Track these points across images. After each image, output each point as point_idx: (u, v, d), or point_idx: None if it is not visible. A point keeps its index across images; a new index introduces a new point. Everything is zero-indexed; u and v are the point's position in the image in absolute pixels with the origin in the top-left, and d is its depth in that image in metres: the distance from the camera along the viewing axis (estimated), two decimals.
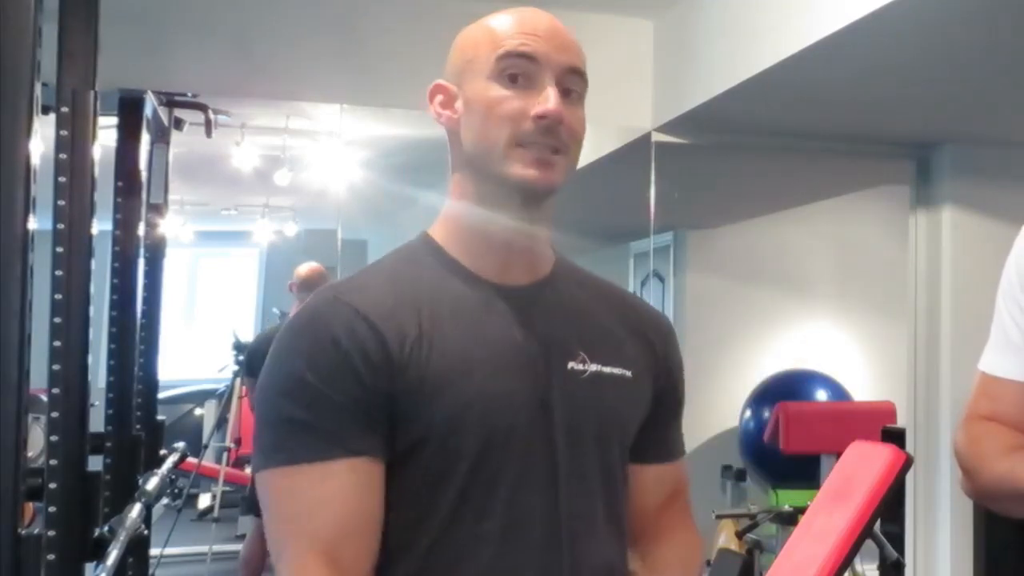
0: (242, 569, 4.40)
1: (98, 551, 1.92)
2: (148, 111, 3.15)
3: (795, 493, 3.79)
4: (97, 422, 2.50)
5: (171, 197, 3.58)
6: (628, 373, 1.15)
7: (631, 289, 4.86)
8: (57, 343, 1.93)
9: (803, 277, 5.58)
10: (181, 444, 2.91)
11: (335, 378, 1.02)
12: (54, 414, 1.93)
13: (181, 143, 3.80)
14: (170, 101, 3.59)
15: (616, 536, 1.15)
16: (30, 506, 3.03)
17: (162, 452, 2.93)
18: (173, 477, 3.03)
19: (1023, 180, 3.97)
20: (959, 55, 2.88)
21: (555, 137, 1.08)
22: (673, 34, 3.64)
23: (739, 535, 3.51)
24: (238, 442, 6.08)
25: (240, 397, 5.85)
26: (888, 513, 3.02)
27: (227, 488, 5.89)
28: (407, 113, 3.61)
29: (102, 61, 2.06)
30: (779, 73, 2.95)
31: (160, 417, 3.28)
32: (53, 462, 1.92)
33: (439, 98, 1.14)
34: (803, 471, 4.37)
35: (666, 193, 3.97)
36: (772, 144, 4.04)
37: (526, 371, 1.09)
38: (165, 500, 4.50)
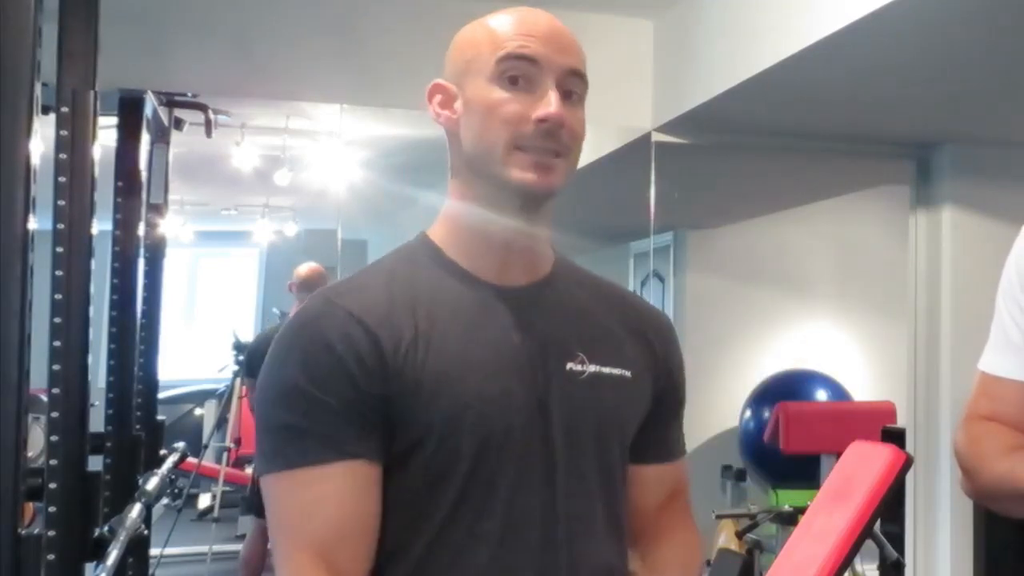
0: (242, 569, 4.40)
1: (98, 551, 1.92)
2: (148, 111, 3.15)
3: (795, 493, 3.79)
4: (97, 422, 2.50)
5: (171, 197, 3.58)
6: (627, 373, 1.15)
7: (631, 289, 4.86)
8: (57, 343, 1.93)
9: (803, 277, 5.58)
10: (181, 444, 2.91)
11: (330, 383, 1.03)
12: (54, 414, 1.93)
13: (181, 143, 3.80)
14: (170, 101, 3.59)
15: (615, 536, 1.15)
16: (30, 506, 3.03)
17: (162, 452, 2.93)
18: (173, 477, 3.03)
19: (1023, 180, 3.97)
20: (959, 55, 2.88)
21: (556, 140, 1.07)
22: (673, 34, 3.64)
23: (739, 535, 3.51)
24: (238, 442, 6.08)
25: (240, 397, 5.85)
26: (888, 513, 3.02)
27: (227, 488, 5.89)
28: (407, 113, 3.61)
29: (102, 61, 2.06)
30: (779, 73, 2.95)
31: (160, 417, 3.28)
32: (53, 462, 1.92)
33: (438, 98, 1.14)
34: (803, 471, 4.37)
35: (666, 193, 3.96)
36: (772, 144, 4.04)
37: (524, 372, 1.09)
38: (165, 500, 4.51)
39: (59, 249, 1.95)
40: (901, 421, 4.31)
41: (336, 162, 4.69)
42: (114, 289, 2.88)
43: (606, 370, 1.14)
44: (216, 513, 5.48)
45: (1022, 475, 1.20)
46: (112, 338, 2.86)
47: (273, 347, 1.08)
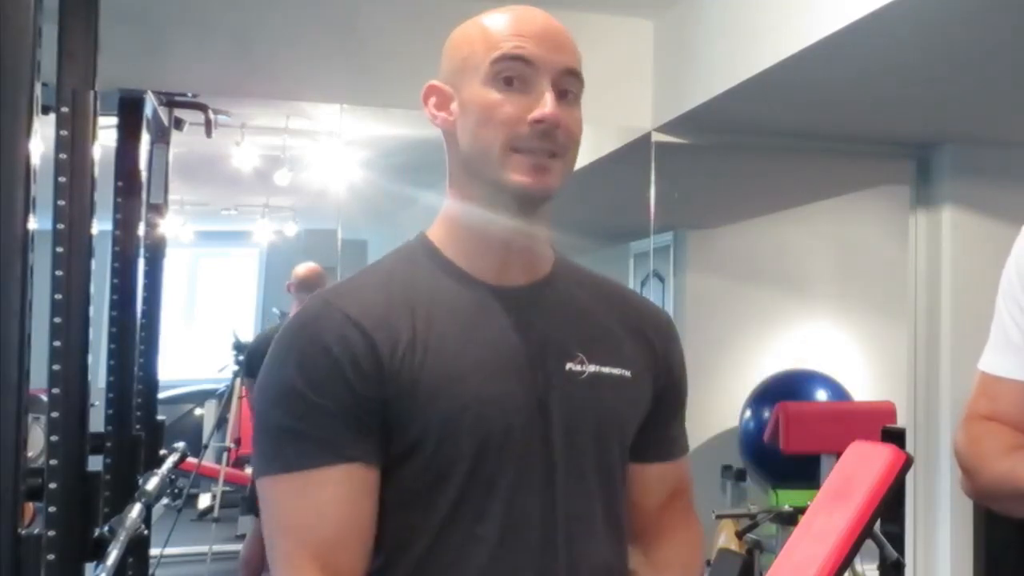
0: (242, 569, 4.40)
1: (98, 551, 1.92)
2: (148, 111, 3.15)
3: (795, 493, 3.79)
4: (97, 422, 2.50)
5: (171, 197, 3.58)
6: (627, 373, 1.15)
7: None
8: (57, 343, 1.93)
9: (803, 277, 5.58)
10: (181, 444, 2.91)
11: (326, 386, 1.03)
12: (54, 414, 1.93)
13: (181, 143, 3.80)
14: (170, 101, 3.59)
15: (615, 536, 1.15)
16: (30, 506, 3.03)
17: (162, 452, 2.93)
18: (173, 477, 3.03)
19: (1023, 180, 3.97)
20: (959, 55, 2.88)
21: (552, 141, 1.07)
22: (673, 34, 3.64)
23: (739, 535, 3.51)
24: (238, 442, 6.08)
25: (240, 397, 5.85)
26: (888, 513, 3.02)
27: (227, 488, 5.89)
28: (407, 113, 3.61)
29: (102, 61, 2.06)
30: (779, 73, 2.95)
31: (160, 417, 3.28)
32: (53, 462, 1.92)
33: (433, 100, 1.13)
34: (803, 471, 4.37)
35: (666, 193, 3.96)
36: (772, 144, 4.04)
37: (524, 373, 1.09)
38: (165, 500, 4.50)
39: (59, 249, 1.95)
40: (901, 421, 4.31)
41: (336, 162, 4.69)
42: (114, 289, 2.88)
43: (606, 370, 1.14)
44: (216, 513, 5.48)
45: (1022, 475, 1.20)
46: (112, 338, 2.86)
47: (272, 349, 1.08)
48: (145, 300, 3.12)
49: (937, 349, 4.02)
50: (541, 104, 1.06)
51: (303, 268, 4.51)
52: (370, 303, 1.07)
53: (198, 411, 6.76)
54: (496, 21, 1.10)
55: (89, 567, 1.96)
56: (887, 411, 4.48)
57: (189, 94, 3.65)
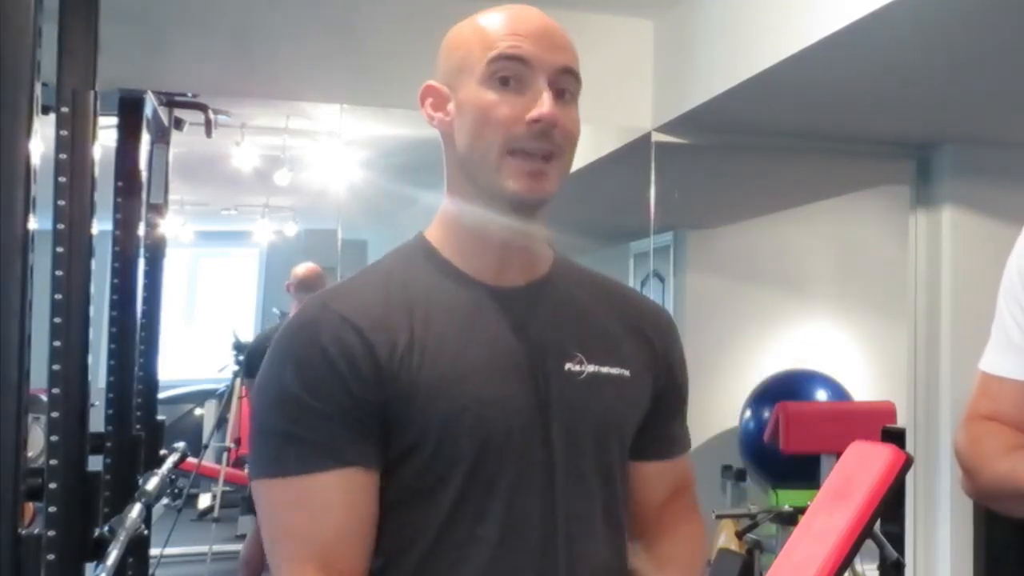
0: (242, 569, 4.40)
1: (98, 551, 1.92)
2: (148, 111, 3.15)
3: (795, 493, 3.79)
4: (97, 422, 2.50)
5: (171, 197, 3.58)
6: (626, 372, 1.15)
7: None
8: (57, 343, 1.93)
9: (803, 277, 5.58)
10: (181, 444, 2.91)
11: (323, 389, 1.02)
12: (54, 414, 1.93)
13: (181, 143, 3.80)
14: (170, 101, 3.59)
15: (615, 536, 1.15)
16: (30, 506, 3.03)
17: (162, 452, 2.93)
18: (173, 477, 3.03)
19: (1023, 180, 3.97)
20: (959, 55, 2.88)
21: (550, 140, 1.07)
22: (673, 34, 3.64)
23: (739, 535, 3.51)
24: (238, 442, 6.08)
25: (240, 397, 5.85)
26: (888, 513, 3.02)
27: (227, 488, 5.88)
28: (407, 113, 3.61)
29: (102, 61, 2.06)
30: (779, 73, 2.95)
31: (160, 417, 3.28)
32: (53, 462, 1.92)
33: (430, 100, 1.13)
34: (803, 471, 4.37)
35: (666, 193, 3.96)
36: (772, 144, 4.04)
37: (523, 373, 1.09)
38: (165, 500, 4.50)
39: (59, 249, 1.95)
40: (901, 421, 4.31)
41: (336, 162, 4.69)
42: (114, 289, 2.88)
43: (604, 370, 1.13)
44: (216, 513, 5.48)
45: (1023, 475, 1.20)
46: (112, 338, 2.86)
47: (270, 351, 1.08)
48: (145, 300, 3.12)
49: (937, 349, 4.02)
50: (538, 104, 1.06)
51: (302, 268, 4.52)
52: (368, 305, 1.07)
53: (198, 411, 6.76)
54: (492, 20, 1.10)
55: (89, 567, 1.96)
56: (887, 411, 4.48)
57: (189, 94, 3.65)
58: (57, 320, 1.94)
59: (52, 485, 1.91)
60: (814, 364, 5.34)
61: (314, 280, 4.42)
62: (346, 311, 1.05)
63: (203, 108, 3.82)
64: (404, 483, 1.06)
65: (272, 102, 3.98)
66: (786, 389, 5.07)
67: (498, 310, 1.11)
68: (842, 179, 4.74)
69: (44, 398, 1.95)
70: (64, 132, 1.98)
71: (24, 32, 1.50)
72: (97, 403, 2.40)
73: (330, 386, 1.02)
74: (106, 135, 2.29)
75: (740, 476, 5.21)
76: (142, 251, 3.05)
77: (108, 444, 2.71)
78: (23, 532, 1.50)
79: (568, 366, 1.11)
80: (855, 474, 2.18)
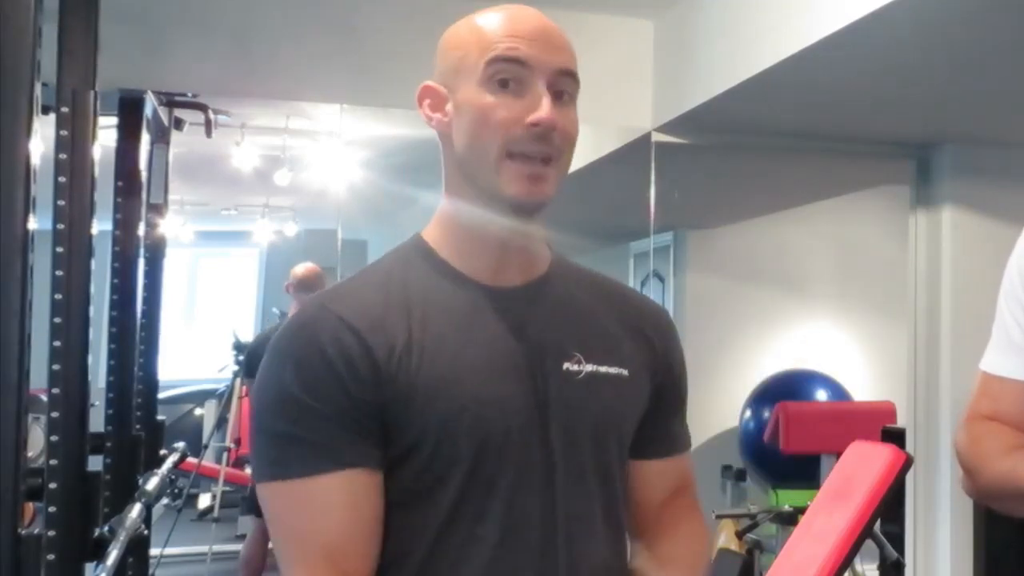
0: (242, 569, 4.40)
1: (98, 551, 1.92)
2: (148, 111, 3.15)
3: (795, 493, 3.79)
4: (97, 422, 2.50)
5: (171, 197, 3.59)
6: (625, 372, 1.15)
7: None
8: (57, 343, 1.94)
9: (803, 277, 5.58)
10: (181, 444, 2.91)
11: (322, 390, 1.02)
12: (54, 414, 1.93)
13: (181, 143, 3.80)
14: (170, 101, 3.59)
15: (614, 536, 1.15)
16: (30, 506, 3.03)
17: (162, 452, 2.93)
18: (173, 477, 3.03)
19: (1023, 180, 3.97)
20: (959, 55, 2.88)
21: (548, 144, 1.06)
22: (673, 34, 3.64)
23: (739, 535, 3.51)
24: (238, 442, 6.08)
25: (240, 397, 5.85)
26: (888, 513, 3.02)
27: (227, 488, 5.88)
28: (407, 113, 3.61)
29: (102, 61, 2.06)
30: (779, 73, 2.95)
31: (160, 417, 3.28)
32: (53, 462, 1.92)
33: (428, 101, 1.13)
34: (803, 471, 4.37)
35: (666, 193, 3.96)
36: (772, 144, 4.04)
37: (521, 373, 1.09)
38: (165, 500, 4.50)
39: (59, 249, 1.96)
40: (901, 421, 4.31)
41: (336, 162, 4.69)
42: (114, 289, 2.88)
43: (603, 369, 1.13)
44: (216, 513, 5.48)
45: (1023, 474, 1.21)
46: (112, 338, 2.86)
47: (268, 353, 1.08)
48: (145, 300, 3.12)
49: (937, 349, 4.02)
50: (537, 107, 1.05)
51: (301, 268, 4.52)
52: (366, 306, 1.07)
53: (198, 411, 6.76)
54: (490, 21, 1.09)
55: (89, 567, 1.96)
56: (887, 411, 4.49)
57: (189, 94, 3.65)
58: (57, 320, 1.94)
59: (52, 485, 1.91)
60: (814, 364, 5.34)
61: (313, 280, 4.42)
62: (344, 312, 1.05)
63: (203, 108, 3.82)
64: (403, 484, 1.05)
65: (272, 102, 3.98)
66: (786, 389, 5.07)
67: (496, 310, 1.11)
68: (842, 179, 4.74)
69: (44, 398, 1.95)
70: (64, 132, 1.98)
71: (24, 32, 1.50)
72: (97, 403, 2.40)
73: (328, 387, 1.02)
74: (106, 135, 2.30)
75: (740, 476, 5.22)
76: (142, 251, 3.05)
77: (108, 444, 2.71)
78: (23, 532, 1.50)
79: (566, 366, 1.11)
80: (855, 474, 2.18)
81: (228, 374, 6.00)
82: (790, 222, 5.37)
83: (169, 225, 3.70)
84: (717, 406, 5.27)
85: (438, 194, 1.15)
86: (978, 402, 1.33)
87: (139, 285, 3.01)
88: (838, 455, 2.35)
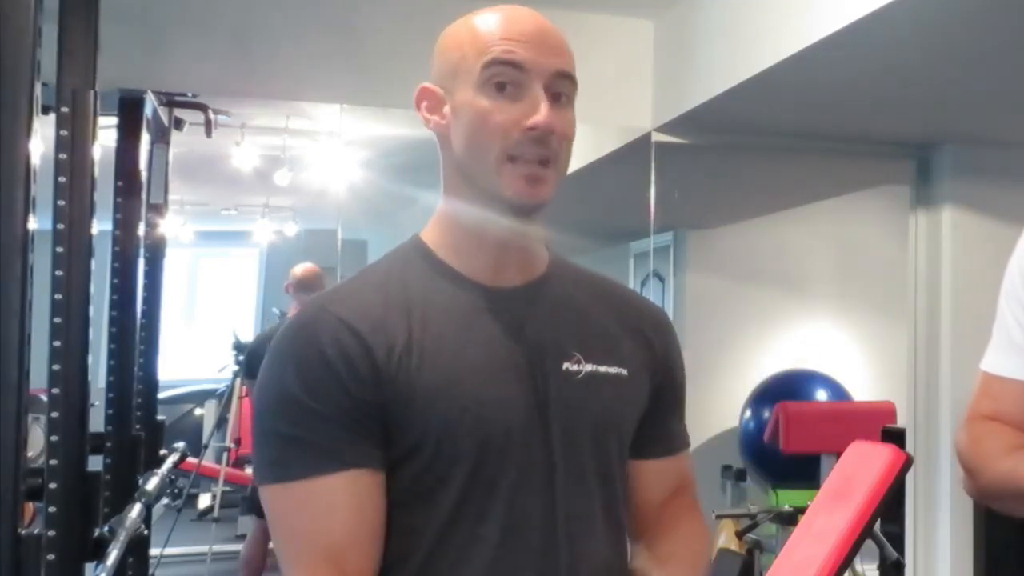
0: (242, 569, 4.40)
1: (98, 551, 1.92)
2: (148, 111, 3.15)
3: (795, 493, 3.79)
4: (97, 422, 2.50)
5: (171, 197, 3.58)
6: (624, 371, 1.15)
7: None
8: (57, 343, 1.93)
9: (803, 277, 5.58)
10: (181, 444, 2.91)
11: (323, 391, 1.02)
12: (54, 414, 1.93)
13: (181, 143, 3.80)
14: (170, 101, 3.59)
15: (615, 535, 1.15)
16: (30, 506, 3.03)
17: (162, 452, 2.93)
18: (173, 477, 3.03)
19: (1023, 180, 3.97)
20: (959, 55, 2.88)
21: (546, 147, 1.06)
22: (673, 34, 3.64)
23: (739, 535, 3.51)
24: (238, 442, 6.08)
25: (240, 397, 5.85)
26: (888, 513, 3.02)
27: (227, 488, 5.88)
28: (407, 113, 3.57)
29: (102, 61, 2.06)
30: (779, 73, 2.95)
31: (160, 417, 3.28)
32: (53, 462, 1.92)
33: (426, 103, 1.13)
34: (803, 471, 4.37)
35: (666, 193, 3.96)
36: (772, 144, 4.04)
37: (521, 374, 1.09)
38: (165, 500, 4.50)
39: (59, 249, 1.96)
40: (901, 421, 4.31)
41: (336, 162, 4.69)
42: (114, 289, 2.88)
43: (602, 369, 1.13)
44: (216, 513, 5.48)
45: None
46: (112, 338, 2.86)
47: (268, 355, 1.08)
48: (145, 300, 3.12)
49: (937, 349, 4.02)
50: (535, 110, 1.05)
51: (300, 269, 4.52)
52: (366, 307, 1.07)
53: (198, 411, 6.76)
54: (486, 22, 1.09)
55: (89, 567, 1.96)
56: (887, 411, 4.49)
57: (189, 94, 3.65)
58: (57, 320, 1.94)
59: (52, 485, 1.91)
60: (814, 364, 5.34)
61: (312, 280, 4.42)
62: (344, 313, 1.05)
63: (203, 108, 3.82)
64: (404, 485, 1.06)
65: (272, 102, 3.98)
66: (786, 389, 5.07)
67: (495, 311, 1.11)
68: (842, 179, 4.74)
69: (44, 398, 1.95)
70: (64, 132, 1.98)
71: (24, 32, 1.50)
72: (97, 403, 2.40)
73: (329, 388, 1.02)
74: (106, 135, 2.29)
75: (740, 476, 5.21)
76: (142, 251, 3.05)
77: (108, 444, 2.71)
78: (23, 532, 1.50)
79: (566, 365, 1.11)
80: (855, 474, 2.18)
81: (228, 374, 6.00)
82: (790, 222, 5.37)
83: (169, 225, 3.70)
84: (717, 406, 5.27)
85: (438, 194, 1.15)
86: (979, 402, 1.34)
87: (139, 285, 3.01)
88: (838, 455, 2.35)
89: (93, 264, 2.02)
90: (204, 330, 7.41)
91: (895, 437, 3.86)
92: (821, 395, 5.19)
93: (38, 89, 1.53)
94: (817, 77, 3.06)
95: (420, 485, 1.05)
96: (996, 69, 2.99)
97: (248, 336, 6.02)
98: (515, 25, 1.08)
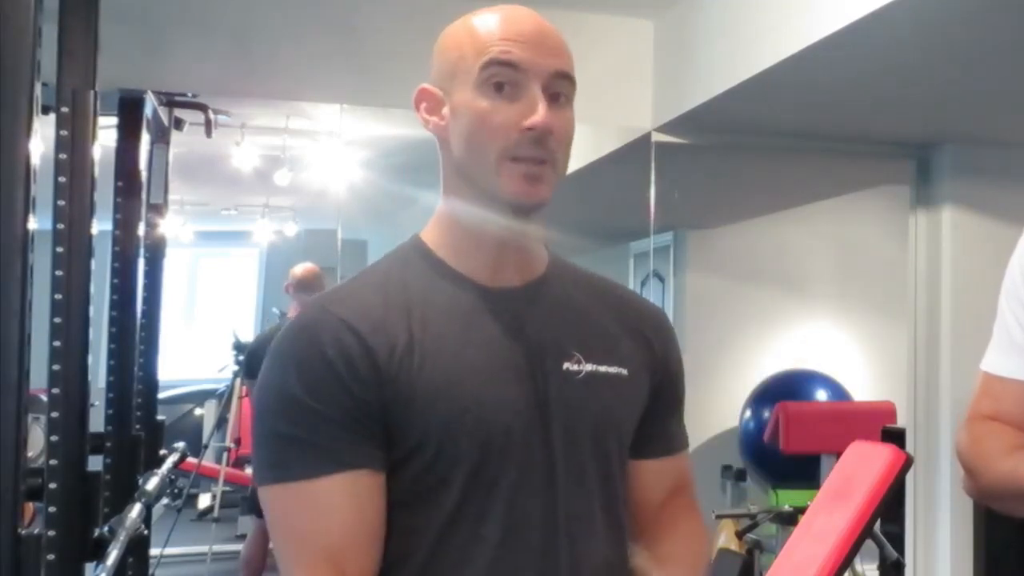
0: (243, 569, 4.40)
1: (98, 551, 1.92)
2: (148, 111, 3.15)
3: (795, 493, 3.79)
4: (97, 422, 2.50)
5: (171, 197, 3.58)
6: (624, 371, 1.15)
7: (631, 289, 4.84)
8: (57, 343, 1.93)
9: (803, 277, 5.58)
10: (181, 444, 2.91)
11: (324, 391, 1.02)
12: (54, 414, 1.93)
13: (181, 143, 3.80)
14: (170, 101, 3.59)
15: (615, 535, 1.15)
16: (30, 506, 3.03)
17: (162, 452, 2.93)
18: (173, 477, 3.03)
19: (1023, 180, 3.97)
20: (959, 55, 2.88)
21: (544, 148, 1.06)
22: (673, 34, 3.64)
23: (739, 535, 3.51)
24: (238, 442, 6.08)
25: (240, 397, 5.85)
26: (888, 513, 3.02)
27: (227, 488, 5.88)
28: (407, 113, 3.57)
29: (102, 61, 2.06)
30: (779, 73, 2.95)
31: (160, 417, 3.28)
32: (53, 462, 1.92)
33: (424, 104, 1.13)
34: (803, 471, 4.37)
35: (666, 193, 3.96)
36: (772, 144, 4.04)
37: (521, 374, 1.09)
38: (165, 500, 4.50)
39: (59, 249, 1.95)
40: (901, 421, 4.31)
41: (336, 162, 4.69)
42: (114, 289, 2.88)
43: (602, 369, 1.14)
44: (216, 513, 5.48)
45: None
46: (112, 338, 2.86)
47: (269, 356, 1.08)
48: (145, 300, 3.12)
49: (937, 349, 4.02)
50: (532, 111, 1.05)
51: (300, 269, 4.52)
52: (367, 307, 1.07)
53: (198, 411, 6.76)
54: (484, 23, 1.09)
55: (89, 567, 1.96)
56: (887, 411, 4.48)
57: (189, 94, 3.65)
58: (57, 320, 1.93)
59: (52, 485, 1.91)
60: (814, 364, 5.34)
61: (312, 280, 4.42)
62: (345, 314, 1.05)
63: (203, 108, 3.82)
64: (405, 485, 1.06)
65: (272, 102, 3.98)
66: (786, 389, 5.07)
67: (495, 311, 1.11)
68: (842, 179, 4.74)
69: (44, 398, 1.95)
70: (64, 132, 1.98)
71: (24, 32, 1.50)
72: (97, 403, 2.40)
73: (330, 388, 1.02)
74: (106, 135, 2.29)
75: (740, 476, 5.21)
76: (142, 251, 3.05)
77: (108, 444, 2.71)
78: (23, 532, 1.50)
79: (566, 365, 1.12)
80: (855, 474, 2.18)
81: (228, 374, 5.99)
82: (790, 222, 5.37)
83: (169, 225, 3.70)
84: (717, 406, 5.27)
85: (438, 194, 1.15)
86: (979, 402, 1.33)
87: (139, 285, 3.01)
88: (838, 455, 2.35)
89: (93, 264, 2.02)
90: (204, 330, 7.41)
91: (895, 437, 3.86)
92: (821, 395, 5.19)
93: (38, 89, 1.53)
94: (817, 77, 3.06)
95: (421, 485, 1.05)
96: (996, 69, 2.99)
97: (248, 336, 6.02)
98: (513, 25, 1.08)
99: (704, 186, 4.70)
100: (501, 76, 1.06)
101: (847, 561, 2.05)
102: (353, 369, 1.03)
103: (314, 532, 1.02)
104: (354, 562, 1.03)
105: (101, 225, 2.07)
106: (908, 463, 2.15)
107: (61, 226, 1.96)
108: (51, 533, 1.88)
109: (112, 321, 2.87)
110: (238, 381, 5.76)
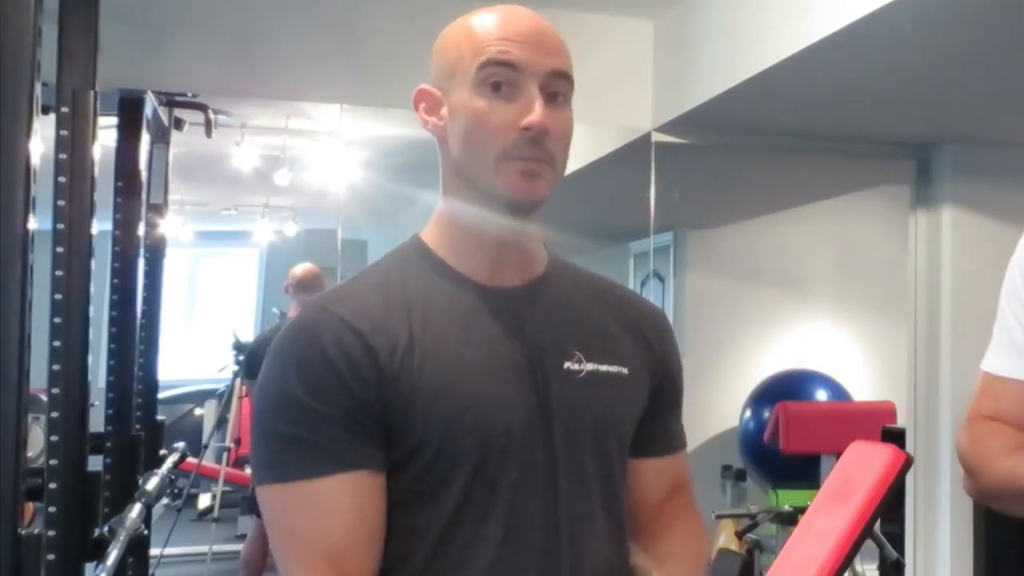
0: (243, 569, 4.40)
1: (98, 551, 1.92)
2: (148, 111, 3.15)
3: (795, 493, 3.79)
4: (97, 422, 2.50)
5: (171, 197, 3.58)
6: (624, 371, 1.15)
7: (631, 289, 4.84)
8: (57, 343, 1.93)
9: (803, 277, 5.58)
10: (181, 444, 2.91)
11: (324, 391, 1.02)
12: (54, 414, 1.93)
13: (181, 143, 3.80)
14: (170, 101, 3.59)
15: (616, 534, 1.15)
16: (30, 506, 3.03)
17: (162, 452, 2.93)
18: (173, 477, 3.03)
19: (1023, 180, 3.97)
20: (959, 55, 2.88)
21: (541, 147, 1.06)
22: (673, 34, 3.64)
23: (739, 535, 3.51)
24: (238, 442, 6.08)
25: (240, 397, 5.85)
26: (888, 513, 3.02)
27: (227, 488, 5.88)
28: (407, 113, 3.56)
29: (102, 61, 2.06)
30: (779, 73, 2.95)
31: (160, 417, 3.28)
32: (53, 462, 1.92)
33: (423, 104, 1.13)
34: (803, 471, 4.37)
35: (666, 193, 3.96)
36: (772, 144, 4.04)
37: (522, 373, 1.09)
38: (165, 500, 4.50)
39: (59, 249, 1.95)
40: (901, 421, 4.31)
41: (336, 162, 4.69)
42: (114, 289, 2.88)
43: (603, 368, 1.14)
44: (216, 513, 5.48)
45: None
46: (112, 338, 2.86)
47: (269, 356, 1.08)
48: (145, 300, 3.12)
49: (937, 349, 4.02)
50: (530, 110, 1.05)
51: (300, 269, 4.52)
52: (367, 307, 1.07)
53: (198, 411, 6.76)
54: (482, 22, 1.09)
55: (89, 567, 1.96)
56: (887, 411, 4.48)
57: (189, 94, 3.65)
58: (57, 320, 1.93)
59: (52, 485, 1.91)
60: (814, 364, 5.34)
61: (312, 280, 4.42)
62: (345, 314, 1.05)
63: (203, 108, 3.82)
64: (406, 485, 1.05)
65: (272, 102, 3.98)
66: (786, 389, 5.07)
67: (495, 310, 1.11)
68: (842, 179, 4.74)
69: (44, 398, 1.95)
70: (64, 132, 1.98)
71: (24, 32, 1.50)
72: (97, 403, 2.40)
73: (331, 388, 1.02)
74: (106, 135, 2.29)
75: (740, 476, 5.21)
76: (142, 251, 3.05)
77: (108, 444, 2.71)
78: (23, 532, 1.50)
79: (567, 365, 1.12)
80: (855, 474, 2.18)
81: (228, 374, 6.00)
82: (790, 222, 5.37)
83: (169, 225, 3.70)
84: (717, 406, 5.27)
85: (437, 194, 1.15)
86: (979, 402, 1.34)
87: (139, 285, 3.01)
88: (838, 455, 2.35)
89: (93, 264, 2.02)
90: (204, 330, 7.41)
91: (895, 437, 3.86)
92: (821, 395, 5.19)
93: (38, 89, 1.53)
94: (817, 77, 3.06)
95: (421, 485, 1.05)
96: (996, 69, 2.99)
97: (248, 336, 6.02)
98: (511, 25, 1.08)
99: (704, 186, 4.70)
100: (498, 76, 1.06)
101: (847, 561, 2.05)
102: (355, 369, 1.03)
103: (314, 532, 1.02)
104: (354, 562, 1.03)
105: (101, 225, 2.07)
106: (908, 463, 2.15)
107: (61, 226, 1.96)
108: (51, 533, 1.88)
109: (112, 321, 2.87)
110: (238, 381, 5.77)
